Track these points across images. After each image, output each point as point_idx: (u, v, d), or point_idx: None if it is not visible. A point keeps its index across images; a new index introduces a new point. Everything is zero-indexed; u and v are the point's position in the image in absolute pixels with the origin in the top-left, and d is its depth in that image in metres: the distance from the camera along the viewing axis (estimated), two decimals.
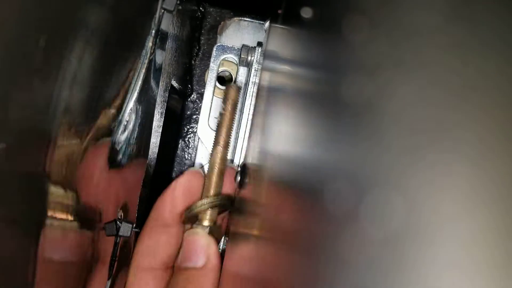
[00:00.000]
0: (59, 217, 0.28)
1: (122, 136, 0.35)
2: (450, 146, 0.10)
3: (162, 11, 0.36)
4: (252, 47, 0.42)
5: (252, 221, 0.27)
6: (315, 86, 0.19)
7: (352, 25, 0.15)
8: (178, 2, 0.38)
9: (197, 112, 0.47)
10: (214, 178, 0.38)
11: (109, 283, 0.35)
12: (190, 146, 0.47)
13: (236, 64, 0.43)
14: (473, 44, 0.10)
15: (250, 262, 0.25)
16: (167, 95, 0.39)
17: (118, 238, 0.35)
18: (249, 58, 0.42)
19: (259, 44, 0.42)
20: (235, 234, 0.34)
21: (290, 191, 0.19)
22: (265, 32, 0.43)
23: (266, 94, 0.35)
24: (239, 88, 0.40)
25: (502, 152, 0.10)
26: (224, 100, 0.40)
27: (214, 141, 0.39)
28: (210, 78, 0.43)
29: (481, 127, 0.10)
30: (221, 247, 0.38)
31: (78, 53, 0.27)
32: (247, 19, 0.46)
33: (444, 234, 0.09)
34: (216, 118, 0.42)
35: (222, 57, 0.43)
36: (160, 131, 0.39)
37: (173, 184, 0.38)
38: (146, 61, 0.36)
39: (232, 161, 0.41)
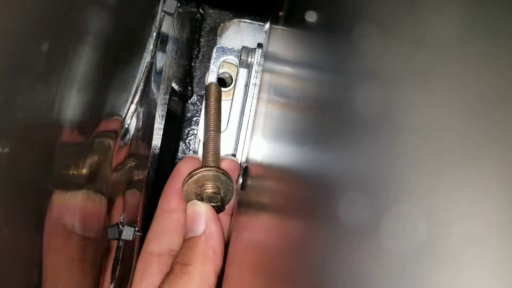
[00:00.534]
0: (63, 219, 0.28)
1: (124, 139, 0.35)
2: (477, 162, 0.09)
3: (163, 14, 0.36)
4: (252, 48, 0.42)
5: (258, 236, 0.27)
6: (323, 90, 0.18)
7: (364, 32, 0.15)
8: (178, 4, 0.37)
9: (197, 114, 0.47)
10: (211, 145, 0.39)
11: (112, 286, 0.35)
12: (191, 148, 0.46)
13: (236, 66, 0.43)
14: (495, 53, 0.10)
15: None
16: (167, 97, 0.39)
17: (121, 242, 0.35)
18: (249, 59, 0.42)
19: (259, 45, 0.42)
20: (239, 238, 0.34)
21: (301, 199, 0.19)
22: (266, 33, 0.42)
23: (266, 95, 0.35)
24: (216, 85, 0.42)
25: None
26: (207, 96, 0.42)
27: (204, 124, 0.41)
28: (211, 80, 0.43)
29: (509, 138, 0.09)
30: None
31: (80, 57, 0.26)
32: (246, 20, 0.45)
33: (470, 255, 0.09)
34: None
35: (222, 59, 0.43)
36: (161, 133, 0.38)
37: (173, 171, 0.40)
38: (147, 64, 0.35)
39: (234, 155, 0.41)
